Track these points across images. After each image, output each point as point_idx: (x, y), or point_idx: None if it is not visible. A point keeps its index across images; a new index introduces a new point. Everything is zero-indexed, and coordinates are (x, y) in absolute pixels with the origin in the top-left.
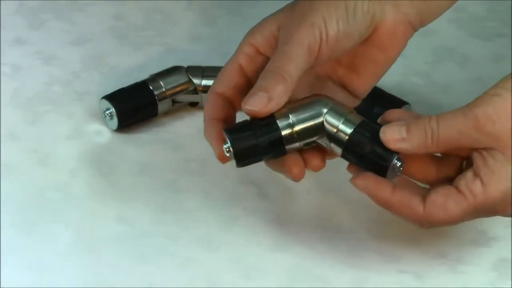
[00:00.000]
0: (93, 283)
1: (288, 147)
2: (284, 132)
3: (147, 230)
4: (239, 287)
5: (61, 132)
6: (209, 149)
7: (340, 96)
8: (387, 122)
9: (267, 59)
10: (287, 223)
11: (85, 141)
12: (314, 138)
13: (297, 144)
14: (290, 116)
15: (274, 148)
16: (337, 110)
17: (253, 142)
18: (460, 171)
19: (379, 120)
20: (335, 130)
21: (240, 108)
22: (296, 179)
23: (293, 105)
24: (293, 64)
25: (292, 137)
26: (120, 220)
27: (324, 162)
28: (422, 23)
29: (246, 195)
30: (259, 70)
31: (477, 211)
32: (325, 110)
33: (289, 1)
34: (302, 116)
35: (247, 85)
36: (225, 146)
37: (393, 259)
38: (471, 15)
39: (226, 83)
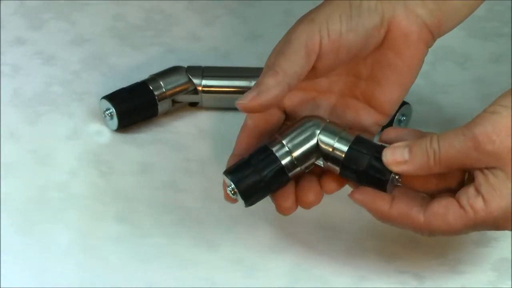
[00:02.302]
0: (93, 283)
1: (291, 174)
2: (284, 161)
3: (147, 230)
4: (239, 287)
5: (61, 132)
6: (209, 149)
7: (365, 114)
8: (385, 141)
9: None
10: (287, 223)
11: (85, 141)
12: (313, 160)
13: (298, 169)
14: (285, 143)
15: (278, 179)
16: (330, 129)
17: (256, 178)
18: (462, 183)
19: (377, 140)
20: (331, 149)
21: (271, 133)
22: (284, 213)
23: (285, 131)
24: (288, 60)
25: (292, 164)
26: (120, 220)
27: (319, 198)
28: (441, 27)
29: None
30: None
31: (477, 226)
32: (318, 131)
33: (288, 1)
34: (297, 140)
35: (275, 107)
36: (229, 188)
37: (393, 259)
38: (471, 15)
39: (253, 114)
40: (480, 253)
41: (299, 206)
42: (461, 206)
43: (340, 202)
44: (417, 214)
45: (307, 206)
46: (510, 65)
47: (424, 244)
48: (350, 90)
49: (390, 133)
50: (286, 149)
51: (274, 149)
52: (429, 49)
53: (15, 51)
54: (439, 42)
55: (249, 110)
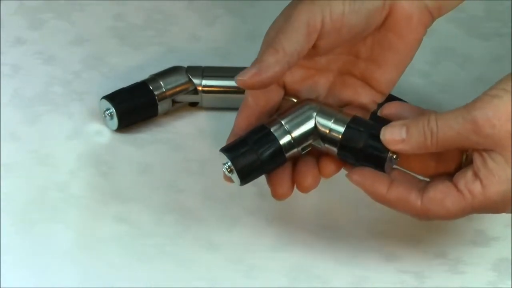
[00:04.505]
0: (93, 283)
1: (287, 154)
2: (282, 141)
3: (147, 230)
4: (239, 287)
5: (61, 132)
6: (209, 149)
7: (363, 92)
8: (385, 116)
9: None
10: (287, 223)
11: (85, 141)
12: (310, 142)
13: (295, 150)
14: (283, 123)
15: (275, 158)
16: (327, 111)
17: (254, 156)
18: (460, 164)
19: (378, 113)
20: (328, 131)
21: (272, 112)
22: (279, 198)
23: (283, 113)
24: (288, 38)
25: (290, 145)
26: (120, 220)
27: (317, 182)
28: (441, 9)
29: (246, 195)
30: None
31: (475, 210)
32: (314, 113)
33: (288, 1)
34: (295, 121)
35: (276, 85)
36: (225, 166)
37: (393, 258)
38: (471, 15)
39: (254, 92)
40: (480, 253)
41: (297, 193)
42: (459, 191)
43: (340, 202)
44: (415, 199)
45: (305, 189)
46: (510, 65)
47: (424, 244)
48: (349, 68)
49: (391, 107)
50: (285, 129)
51: (272, 128)
52: (429, 49)
53: (15, 51)
54: (439, 42)
55: (249, 87)
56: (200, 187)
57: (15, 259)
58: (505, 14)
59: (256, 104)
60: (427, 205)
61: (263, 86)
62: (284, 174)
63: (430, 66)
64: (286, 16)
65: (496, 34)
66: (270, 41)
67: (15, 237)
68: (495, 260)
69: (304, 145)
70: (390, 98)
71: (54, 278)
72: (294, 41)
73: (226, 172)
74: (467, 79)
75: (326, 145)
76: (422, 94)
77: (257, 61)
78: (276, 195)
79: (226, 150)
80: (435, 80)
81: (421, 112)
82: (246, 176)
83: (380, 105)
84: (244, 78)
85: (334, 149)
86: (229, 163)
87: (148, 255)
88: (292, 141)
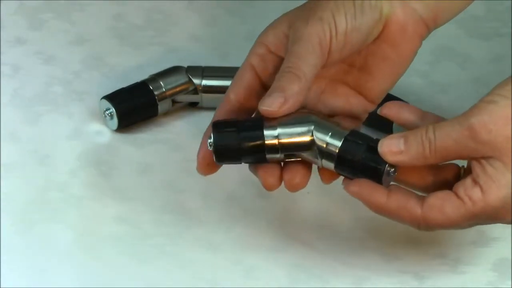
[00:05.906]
0: (93, 283)
1: (269, 156)
2: (268, 141)
3: (147, 230)
4: (239, 287)
5: (61, 132)
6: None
7: (355, 101)
8: (385, 115)
9: (277, 58)
10: (287, 223)
11: (85, 141)
12: (298, 153)
13: (278, 156)
14: (278, 128)
15: (254, 153)
16: (324, 125)
17: (234, 142)
18: (458, 179)
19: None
20: (325, 145)
21: (252, 110)
22: (269, 189)
23: (283, 118)
24: (306, 62)
25: (274, 148)
26: (120, 220)
27: (305, 182)
28: (437, 21)
29: (246, 195)
30: (269, 69)
31: (477, 218)
32: (312, 127)
33: (288, 1)
34: (289, 130)
35: (259, 85)
36: (209, 140)
37: (393, 259)
38: (471, 15)
39: (238, 85)
40: (480, 253)
41: (297, 193)
42: (459, 197)
43: (340, 202)
44: (414, 206)
45: (293, 188)
46: (510, 65)
47: (424, 244)
48: (342, 77)
49: (391, 107)
50: (276, 133)
51: (265, 126)
52: (429, 49)
53: (15, 51)
54: (439, 42)
55: (275, 115)
56: (200, 187)
57: (15, 259)
58: (505, 14)
59: (237, 101)
60: (427, 212)
61: (287, 113)
62: (272, 167)
63: (430, 66)
64: (296, 33)
65: (496, 34)
66: (286, 64)
67: (15, 237)
68: (495, 260)
69: (289, 153)
70: (389, 98)
71: (54, 278)
72: (312, 64)
73: (209, 146)
74: (467, 79)
75: (324, 160)
76: (422, 94)
77: (280, 89)
78: (267, 186)
79: (216, 125)
80: (435, 80)
81: (421, 113)
82: (220, 156)
83: (370, 114)
84: (272, 109)
85: (331, 163)
86: (210, 140)
87: (148, 255)
88: (278, 145)
